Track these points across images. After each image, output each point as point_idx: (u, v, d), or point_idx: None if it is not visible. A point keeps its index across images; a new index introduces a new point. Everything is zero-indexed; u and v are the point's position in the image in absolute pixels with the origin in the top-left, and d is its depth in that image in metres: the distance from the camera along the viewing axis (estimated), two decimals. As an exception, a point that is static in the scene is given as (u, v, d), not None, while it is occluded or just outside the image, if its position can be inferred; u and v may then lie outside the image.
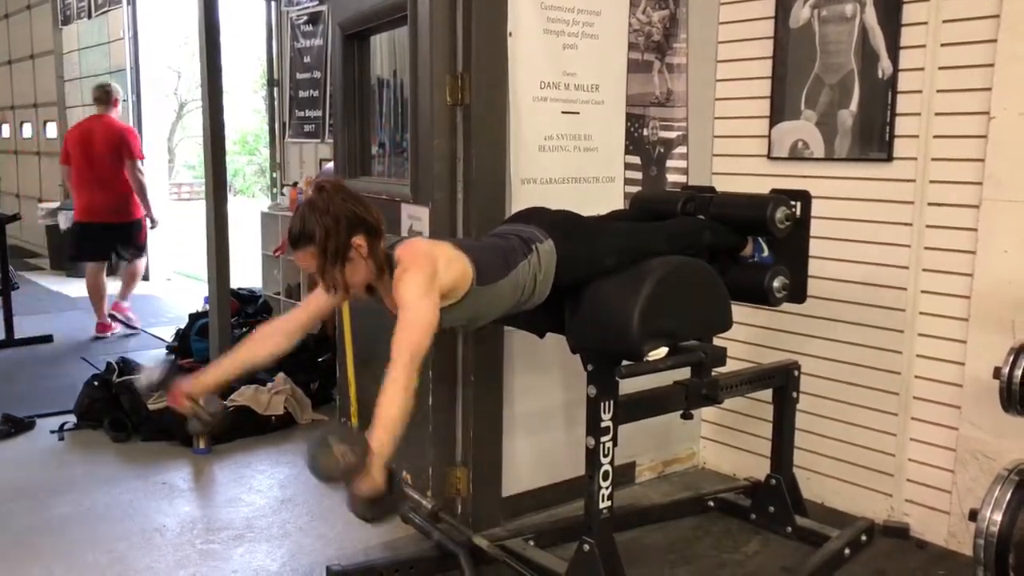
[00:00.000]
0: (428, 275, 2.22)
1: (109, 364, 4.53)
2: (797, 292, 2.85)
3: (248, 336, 2.55)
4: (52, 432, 4.24)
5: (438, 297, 2.24)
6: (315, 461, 2.00)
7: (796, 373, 3.14)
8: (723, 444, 3.83)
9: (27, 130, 11.59)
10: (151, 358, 5.31)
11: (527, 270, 2.41)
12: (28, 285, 8.59)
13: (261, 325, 2.58)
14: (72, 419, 4.34)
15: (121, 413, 4.22)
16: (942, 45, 2.98)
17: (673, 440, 3.81)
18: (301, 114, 6.57)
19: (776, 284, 2.75)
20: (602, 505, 2.62)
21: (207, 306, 5.17)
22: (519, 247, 2.43)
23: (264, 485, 3.69)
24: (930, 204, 3.06)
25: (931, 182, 3.05)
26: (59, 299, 7.99)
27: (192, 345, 5.21)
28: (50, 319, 6.90)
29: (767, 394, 3.17)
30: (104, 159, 6.15)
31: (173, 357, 2.51)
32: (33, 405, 4.61)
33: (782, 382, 3.12)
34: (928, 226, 3.07)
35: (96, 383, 4.39)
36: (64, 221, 8.80)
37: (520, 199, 3.08)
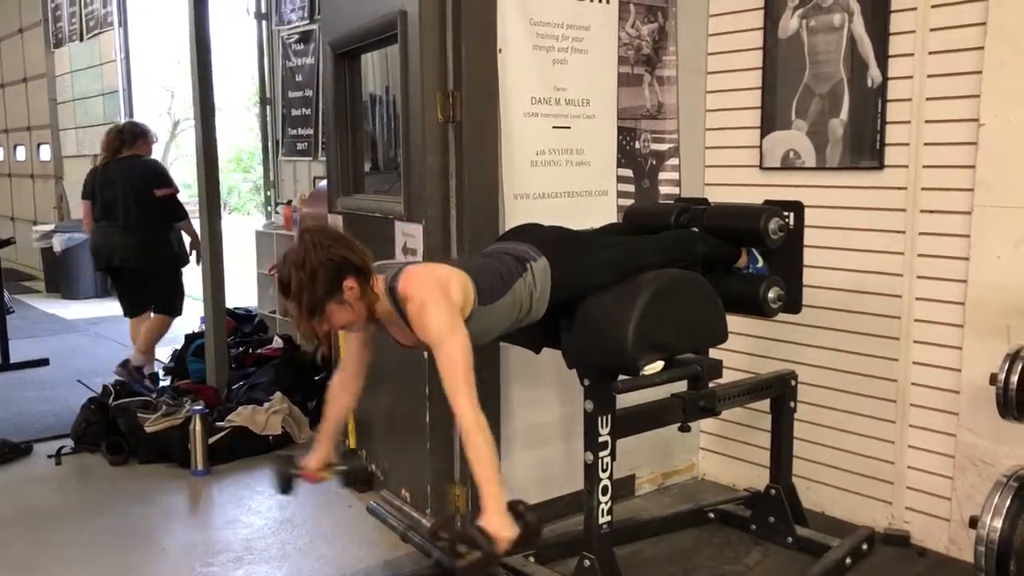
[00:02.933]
0: (447, 305, 2.23)
1: (106, 387, 4.51)
2: (792, 302, 2.86)
3: (328, 395, 2.61)
4: (49, 457, 4.22)
5: (462, 320, 2.25)
6: (451, 560, 2.10)
7: (793, 383, 3.14)
8: (722, 455, 3.82)
9: (21, 153, 11.60)
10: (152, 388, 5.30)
11: (523, 288, 2.41)
12: (23, 308, 8.58)
13: (331, 383, 2.62)
14: (69, 443, 4.32)
15: (118, 436, 4.21)
16: (930, 53, 2.99)
17: (672, 452, 3.80)
18: (294, 132, 6.59)
19: (771, 295, 2.76)
20: (602, 520, 2.62)
21: (203, 326, 5.16)
22: (514, 266, 2.43)
23: (263, 506, 3.68)
24: (922, 211, 3.06)
25: (923, 189, 3.06)
26: (55, 322, 7.97)
27: (189, 366, 5.20)
28: (46, 342, 6.89)
29: (765, 404, 3.16)
30: None
31: (286, 461, 2.58)
32: (30, 430, 4.60)
33: (779, 392, 3.12)
34: (921, 233, 3.07)
35: (93, 406, 4.37)
36: (59, 243, 8.82)
37: (513, 214, 3.09)
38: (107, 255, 5.31)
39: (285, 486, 2.48)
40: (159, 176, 5.36)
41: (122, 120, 8.71)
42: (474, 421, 2.15)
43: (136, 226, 5.19)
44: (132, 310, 5.48)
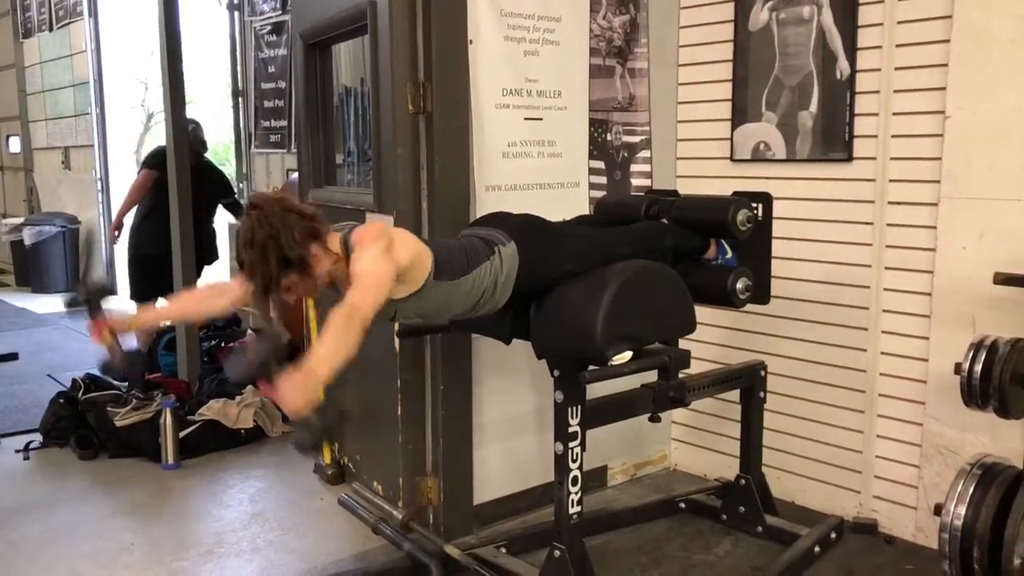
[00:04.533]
0: (382, 247, 2.16)
1: (75, 381, 4.47)
2: (761, 293, 2.88)
3: (184, 293, 2.47)
4: (17, 451, 4.17)
5: (393, 266, 2.16)
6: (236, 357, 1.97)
7: (763, 373, 3.16)
8: (694, 445, 3.85)
9: (-10, 145, 11.44)
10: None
11: (488, 271, 2.39)
12: (-8, 302, 8.48)
13: (209, 283, 2.50)
14: (38, 437, 4.27)
15: (88, 430, 4.17)
16: (897, 46, 3.02)
17: (644, 443, 3.82)
18: (267, 124, 6.53)
19: (739, 286, 2.77)
20: (572, 510, 2.63)
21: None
22: (482, 248, 2.42)
23: (234, 499, 3.66)
24: (890, 203, 3.09)
25: (891, 181, 3.08)
26: (25, 316, 7.87)
27: (160, 359, 5.14)
28: (15, 336, 6.81)
29: (736, 395, 3.18)
30: None
31: (106, 282, 2.46)
32: (-3, 424, 4.55)
33: (749, 382, 3.14)
34: (889, 224, 3.10)
35: (62, 400, 4.32)
36: (29, 237, 8.71)
37: (485, 206, 3.08)
38: None
39: (82, 291, 2.36)
40: None
41: (93, 111, 8.63)
42: (339, 328, 1.98)
43: None
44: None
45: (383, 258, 2.15)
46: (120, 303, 6.72)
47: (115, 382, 4.44)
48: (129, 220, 5.68)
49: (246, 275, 2.15)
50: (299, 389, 1.86)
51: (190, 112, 5.12)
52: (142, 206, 5.56)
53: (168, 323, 2.39)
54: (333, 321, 2.00)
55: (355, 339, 2.00)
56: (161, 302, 5.05)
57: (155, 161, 5.47)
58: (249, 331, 4.64)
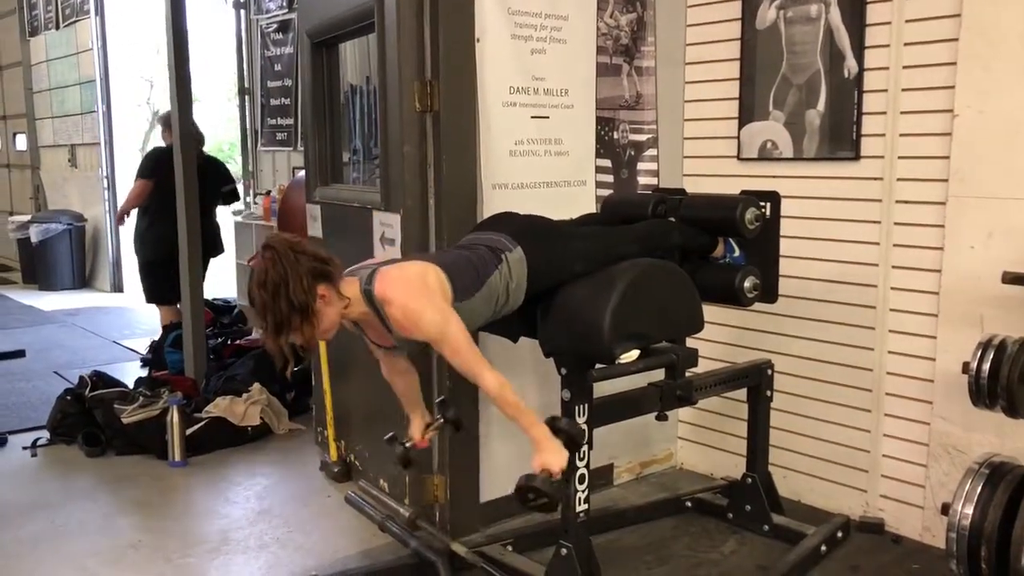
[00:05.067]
0: (432, 299, 2.25)
1: (82, 378, 4.48)
2: (768, 292, 2.88)
3: (389, 380, 2.68)
4: (25, 448, 4.19)
5: (449, 306, 2.28)
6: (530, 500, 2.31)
7: (770, 372, 3.16)
8: (700, 444, 3.84)
9: (-4, 143, 11.48)
10: (125, 371, 5.27)
11: (499, 280, 2.40)
12: (-1, 299, 8.51)
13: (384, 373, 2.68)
14: (45, 435, 4.28)
15: (95, 427, 4.18)
16: (906, 44, 3.01)
17: (650, 441, 3.82)
18: (273, 122, 6.55)
19: (747, 284, 2.77)
20: (578, 508, 2.63)
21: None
22: (489, 258, 2.42)
23: (241, 497, 3.67)
24: (898, 202, 3.08)
25: (898, 180, 3.08)
26: (32, 313, 7.89)
27: (166, 357, 5.16)
28: (22, 333, 6.83)
29: (742, 394, 3.18)
30: None
31: (387, 438, 2.70)
32: (5, 421, 4.56)
33: (756, 381, 3.13)
34: (896, 223, 3.09)
35: (69, 398, 4.33)
36: (36, 234, 8.73)
37: (491, 204, 3.08)
38: None
39: (405, 462, 2.63)
40: None
41: (100, 109, 8.65)
42: (498, 386, 2.27)
43: None
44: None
45: (443, 311, 2.26)
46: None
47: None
48: (132, 221, 5.71)
49: (259, 315, 2.19)
50: (553, 456, 2.28)
51: (195, 110, 5.12)
52: (145, 213, 5.57)
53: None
54: (502, 401, 2.32)
55: (506, 383, 2.31)
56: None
57: (149, 170, 5.50)
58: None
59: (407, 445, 2.61)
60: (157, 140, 6.48)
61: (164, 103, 6.15)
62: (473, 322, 2.43)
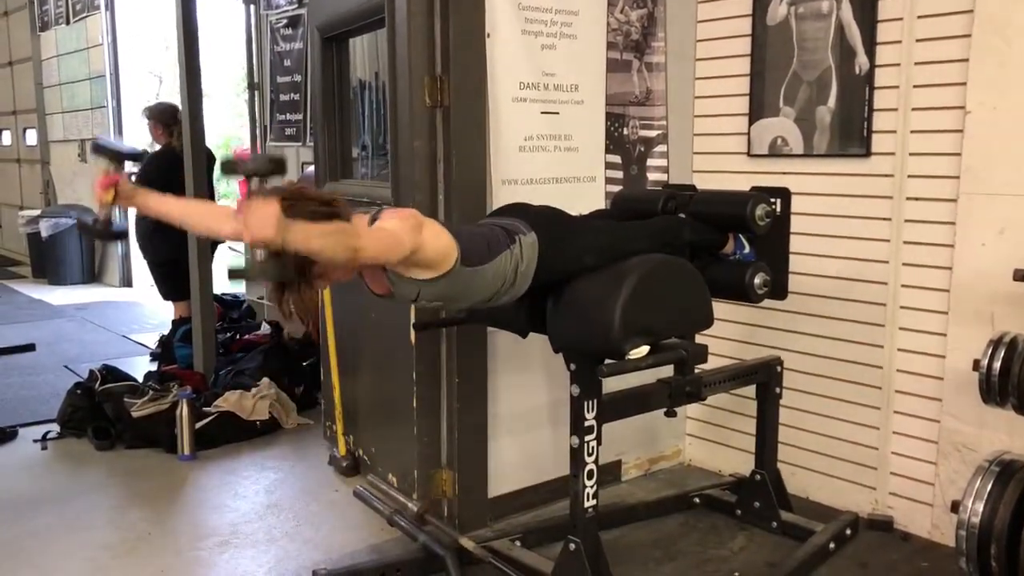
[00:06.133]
0: (410, 224, 2.16)
1: (92, 372, 4.50)
2: (778, 288, 2.87)
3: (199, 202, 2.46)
4: (35, 441, 4.21)
5: (411, 244, 2.14)
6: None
7: (779, 369, 3.15)
8: (708, 441, 3.84)
9: (7, 137, 11.52)
10: (134, 365, 5.30)
11: (509, 259, 2.37)
12: (9, 294, 8.55)
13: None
14: (55, 428, 4.31)
15: (104, 421, 4.20)
16: (917, 41, 3.00)
17: (659, 437, 3.82)
18: (282, 118, 6.54)
19: (757, 281, 2.76)
20: (587, 504, 2.63)
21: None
22: (503, 237, 2.40)
23: (250, 490, 3.68)
24: (908, 199, 3.07)
25: (909, 177, 3.07)
26: (41, 307, 7.93)
27: (176, 351, 5.18)
28: (32, 327, 6.86)
29: (751, 390, 3.18)
30: None
31: (137, 150, 2.49)
32: (15, 415, 4.59)
33: (765, 378, 3.13)
34: (907, 220, 3.08)
35: (79, 391, 4.36)
36: (45, 229, 8.77)
37: (501, 200, 3.07)
38: None
39: (105, 151, 2.39)
40: None
41: (110, 104, 8.68)
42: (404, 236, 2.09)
43: None
44: None
45: (408, 230, 2.14)
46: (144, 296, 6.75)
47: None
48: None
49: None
50: (271, 221, 1.83)
51: (205, 106, 5.12)
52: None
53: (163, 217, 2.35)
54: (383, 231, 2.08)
55: (402, 238, 2.09)
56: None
57: (146, 172, 5.40)
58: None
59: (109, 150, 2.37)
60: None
61: (174, 98, 6.15)
62: (473, 294, 2.39)
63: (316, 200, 2.13)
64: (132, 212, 5.57)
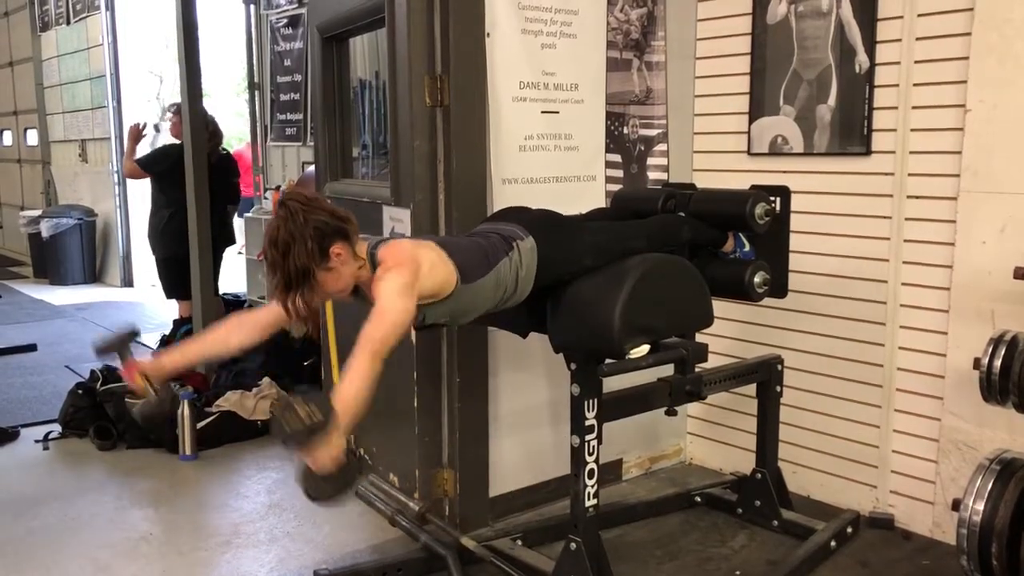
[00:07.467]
0: (409, 278, 2.21)
1: (93, 372, 4.50)
2: (778, 287, 2.88)
3: (221, 322, 2.50)
4: (37, 441, 4.22)
5: (414, 301, 2.23)
6: (281, 419, 1.94)
7: (779, 367, 3.16)
8: (709, 439, 3.84)
9: (8, 138, 11.53)
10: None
11: (508, 268, 2.40)
12: (10, 293, 8.55)
13: (235, 313, 2.53)
14: (57, 428, 4.31)
15: (106, 421, 4.20)
16: (917, 39, 3.00)
17: (660, 436, 3.82)
18: (283, 117, 6.56)
19: (757, 279, 2.77)
20: (588, 503, 2.63)
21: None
22: (500, 245, 2.43)
23: (251, 490, 3.68)
24: (909, 197, 3.07)
25: (909, 175, 3.07)
26: (42, 307, 7.93)
27: (177, 351, 5.17)
28: (34, 327, 6.86)
29: (752, 389, 3.18)
30: None
31: (134, 326, 2.52)
32: (17, 415, 4.59)
33: (765, 377, 3.13)
34: (907, 219, 3.08)
35: (80, 391, 4.36)
36: (46, 229, 8.77)
37: (502, 199, 3.08)
38: None
39: (111, 347, 2.42)
40: None
41: (110, 104, 8.68)
42: (365, 371, 2.08)
43: None
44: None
45: (407, 293, 2.20)
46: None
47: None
48: (142, 218, 5.75)
49: (268, 271, 2.20)
50: (329, 446, 1.97)
51: (206, 105, 5.14)
52: (160, 208, 5.58)
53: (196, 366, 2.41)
54: (358, 361, 2.09)
55: (376, 376, 2.11)
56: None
57: (156, 161, 5.51)
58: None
59: (126, 353, 2.39)
60: (166, 133, 6.46)
61: (174, 98, 6.15)
62: (477, 307, 2.43)
63: (329, 214, 2.19)
64: (132, 213, 5.66)
